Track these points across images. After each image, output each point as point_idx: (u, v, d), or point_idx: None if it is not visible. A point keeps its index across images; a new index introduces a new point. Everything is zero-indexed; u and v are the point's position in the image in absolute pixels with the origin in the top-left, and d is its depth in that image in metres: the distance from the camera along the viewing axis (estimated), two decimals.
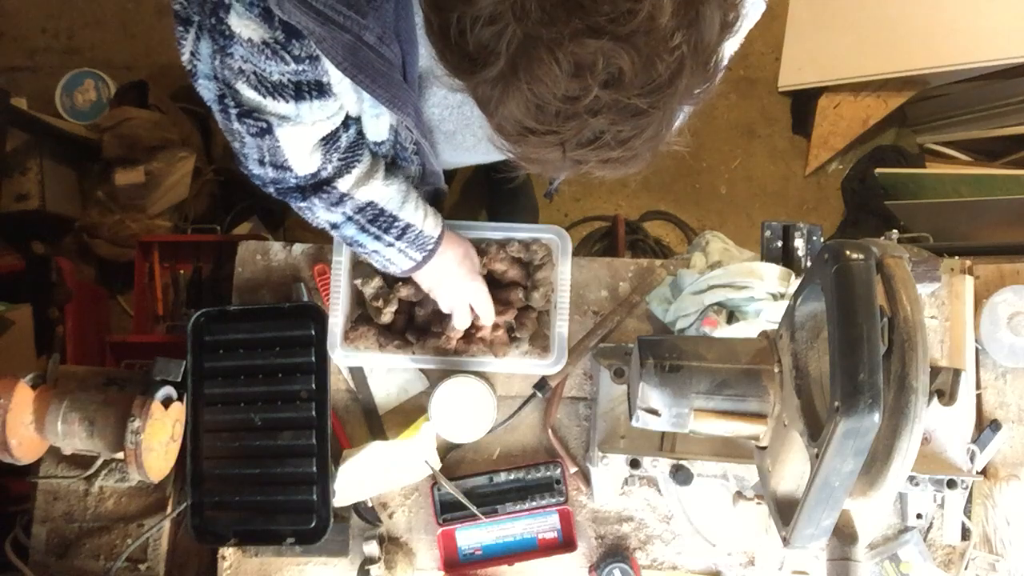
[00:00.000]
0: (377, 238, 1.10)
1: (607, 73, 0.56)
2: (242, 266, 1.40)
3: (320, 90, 0.87)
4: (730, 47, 0.96)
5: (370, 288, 1.30)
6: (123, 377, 1.29)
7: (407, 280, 1.31)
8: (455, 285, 1.22)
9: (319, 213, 1.06)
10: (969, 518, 1.29)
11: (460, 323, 1.24)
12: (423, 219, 1.13)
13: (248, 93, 0.86)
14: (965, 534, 1.29)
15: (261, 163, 0.96)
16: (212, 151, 2.29)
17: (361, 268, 1.32)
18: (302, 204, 1.04)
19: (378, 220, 1.08)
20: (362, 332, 1.30)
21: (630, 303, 1.35)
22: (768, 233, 1.32)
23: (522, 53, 0.56)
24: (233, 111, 0.89)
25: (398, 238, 1.11)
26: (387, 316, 1.30)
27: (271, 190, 1.02)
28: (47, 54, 2.45)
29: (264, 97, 0.86)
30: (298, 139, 0.93)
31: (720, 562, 1.32)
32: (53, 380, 1.27)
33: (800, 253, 1.31)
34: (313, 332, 1.32)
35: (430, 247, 1.15)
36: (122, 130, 2.11)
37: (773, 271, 1.24)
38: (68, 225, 2.27)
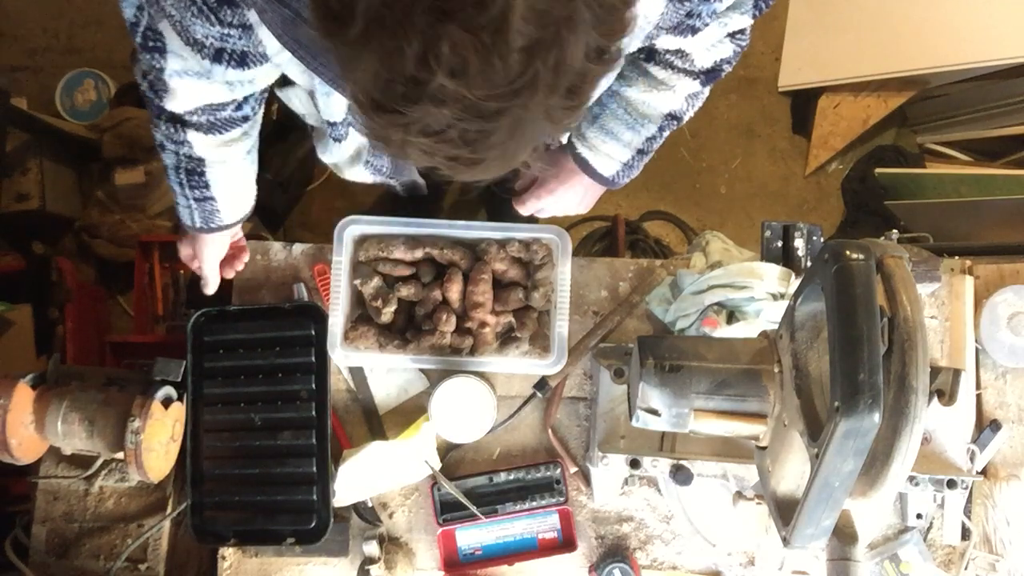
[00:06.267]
0: (180, 185, 1.13)
1: (452, 62, 0.56)
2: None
3: (241, 60, 0.88)
4: (741, 21, 0.95)
5: (370, 288, 1.30)
6: (123, 377, 1.29)
7: (407, 280, 1.32)
8: (206, 253, 1.27)
9: (159, 133, 1.08)
10: (969, 518, 1.29)
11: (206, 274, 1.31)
12: (230, 204, 1.17)
13: (168, 33, 0.87)
14: (965, 534, 1.29)
15: (144, 76, 0.99)
16: None
17: (361, 268, 1.32)
18: (153, 117, 1.06)
19: (193, 176, 1.11)
20: (362, 332, 1.30)
21: (630, 303, 1.35)
22: (768, 233, 1.32)
23: (377, 20, 0.57)
24: (139, 40, 0.90)
25: (197, 200, 1.15)
26: (387, 316, 1.30)
27: (143, 85, 1.03)
28: (47, 54, 2.45)
29: (184, 45, 0.87)
30: (187, 89, 0.96)
31: (720, 562, 1.32)
32: (53, 380, 1.27)
33: (800, 253, 1.31)
34: (313, 332, 1.32)
35: (213, 225, 1.19)
36: (122, 130, 2.11)
37: (773, 271, 1.24)
38: (68, 225, 2.27)
